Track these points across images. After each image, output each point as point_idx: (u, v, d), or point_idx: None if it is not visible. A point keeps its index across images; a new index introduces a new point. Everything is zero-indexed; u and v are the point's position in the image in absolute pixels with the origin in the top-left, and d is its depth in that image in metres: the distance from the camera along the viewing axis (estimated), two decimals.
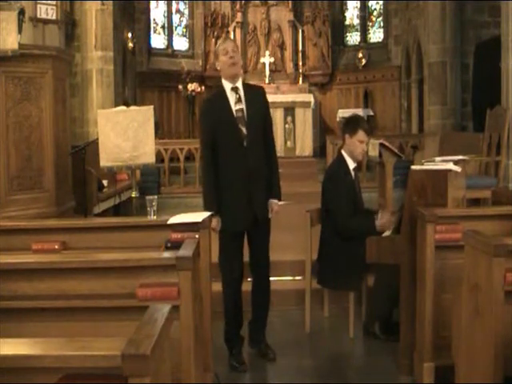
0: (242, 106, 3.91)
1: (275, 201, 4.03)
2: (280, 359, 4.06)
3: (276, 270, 5.45)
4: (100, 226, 3.59)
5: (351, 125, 4.58)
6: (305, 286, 4.64)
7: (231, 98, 3.91)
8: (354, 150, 4.52)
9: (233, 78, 3.93)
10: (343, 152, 4.58)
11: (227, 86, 3.94)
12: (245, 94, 3.94)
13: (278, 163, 4.11)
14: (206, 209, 3.82)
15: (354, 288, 4.47)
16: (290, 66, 13.37)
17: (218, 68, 4.00)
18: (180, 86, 12.29)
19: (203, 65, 13.29)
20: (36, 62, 4.96)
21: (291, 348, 4.28)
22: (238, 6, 13.30)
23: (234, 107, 3.89)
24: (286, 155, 11.57)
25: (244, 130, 3.88)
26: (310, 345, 4.40)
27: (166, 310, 1.81)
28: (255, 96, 3.99)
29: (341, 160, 4.59)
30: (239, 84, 3.96)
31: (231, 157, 3.89)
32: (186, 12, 13.77)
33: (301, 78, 13.25)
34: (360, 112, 12.20)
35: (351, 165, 4.56)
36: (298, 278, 5.28)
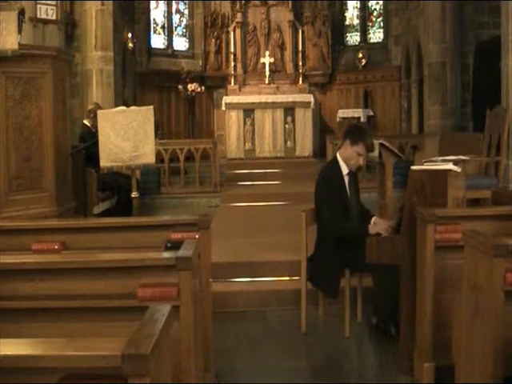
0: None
1: None
2: (277, 359, 4.05)
3: (274, 270, 5.47)
4: (100, 226, 3.59)
5: (356, 135, 4.47)
6: (301, 285, 4.64)
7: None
8: (350, 159, 4.46)
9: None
10: (338, 156, 4.54)
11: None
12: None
13: None
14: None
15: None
16: (289, 66, 13.35)
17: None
18: (180, 86, 12.27)
19: (203, 65, 13.28)
20: (36, 62, 4.96)
21: (288, 348, 4.28)
22: (237, 6, 13.27)
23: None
24: (286, 155, 11.57)
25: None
26: (306, 345, 4.39)
27: (166, 310, 1.80)
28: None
29: (335, 163, 4.55)
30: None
31: None
32: (186, 12, 13.76)
33: (301, 78, 13.23)
34: (360, 112, 12.24)
35: (344, 170, 4.51)
36: (295, 278, 5.27)
